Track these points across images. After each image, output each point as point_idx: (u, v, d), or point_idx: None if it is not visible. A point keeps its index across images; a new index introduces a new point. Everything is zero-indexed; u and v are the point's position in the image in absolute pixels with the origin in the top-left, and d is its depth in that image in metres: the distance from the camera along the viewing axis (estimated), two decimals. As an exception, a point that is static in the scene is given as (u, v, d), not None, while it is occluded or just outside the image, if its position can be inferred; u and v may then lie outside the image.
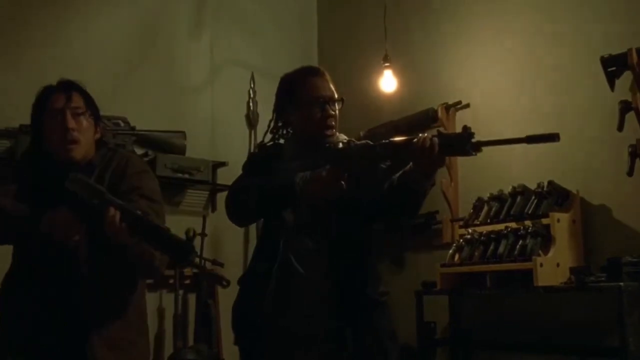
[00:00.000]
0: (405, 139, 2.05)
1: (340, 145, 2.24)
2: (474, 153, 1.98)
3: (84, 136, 2.15)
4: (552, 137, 1.94)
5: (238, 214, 2.25)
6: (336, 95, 2.26)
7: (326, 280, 2.10)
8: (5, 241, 2.12)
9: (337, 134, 2.30)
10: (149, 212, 2.06)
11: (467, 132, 1.98)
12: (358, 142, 2.32)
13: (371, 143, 2.29)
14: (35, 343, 2.01)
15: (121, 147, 3.76)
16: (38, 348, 2.01)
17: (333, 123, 2.24)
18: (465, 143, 1.98)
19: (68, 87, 2.19)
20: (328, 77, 2.29)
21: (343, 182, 2.01)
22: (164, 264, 2.14)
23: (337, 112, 2.26)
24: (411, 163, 2.06)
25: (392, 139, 2.10)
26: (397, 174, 2.12)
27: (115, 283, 2.09)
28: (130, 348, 2.09)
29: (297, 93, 2.25)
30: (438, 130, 2.09)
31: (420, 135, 2.02)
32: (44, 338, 2.00)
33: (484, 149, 2.03)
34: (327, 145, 2.18)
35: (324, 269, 2.11)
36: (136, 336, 2.14)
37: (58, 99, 2.16)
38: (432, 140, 1.98)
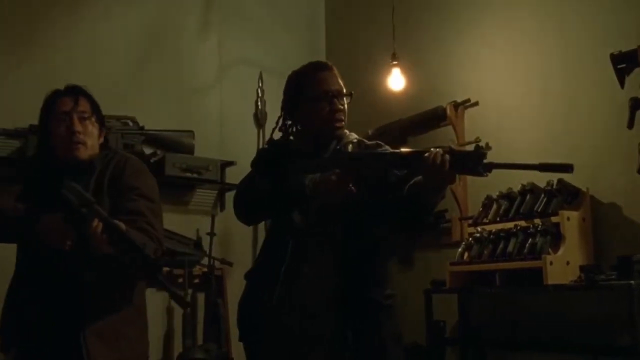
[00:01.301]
0: (416, 151, 2.04)
1: (351, 146, 2.23)
2: (485, 174, 1.97)
3: (89, 139, 2.22)
4: (566, 168, 1.93)
5: (246, 213, 2.26)
6: (345, 90, 2.25)
7: (332, 281, 2.09)
8: (3, 240, 2.18)
9: (348, 132, 2.29)
10: (146, 212, 2.14)
11: (479, 151, 1.97)
12: (369, 142, 2.32)
13: (382, 145, 2.28)
14: (33, 336, 2.07)
15: (129, 148, 3.81)
16: (35, 341, 2.06)
17: (342, 117, 2.23)
18: (477, 163, 1.97)
19: (75, 91, 2.26)
20: (336, 71, 2.27)
21: (352, 187, 2.01)
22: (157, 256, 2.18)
23: (345, 106, 2.24)
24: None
25: (403, 149, 2.10)
26: (408, 184, 2.11)
27: (111, 281, 2.13)
28: (124, 342, 2.12)
29: (306, 88, 2.23)
30: (450, 147, 2.07)
31: (432, 149, 2.00)
32: (41, 331, 2.05)
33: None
34: (338, 147, 2.16)
35: (330, 270, 2.10)
36: (131, 330, 2.17)
37: (65, 102, 2.22)
38: (443, 156, 1.97)
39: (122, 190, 2.19)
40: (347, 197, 2.02)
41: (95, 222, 1.91)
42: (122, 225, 1.97)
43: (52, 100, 2.24)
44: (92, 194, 2.13)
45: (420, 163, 1.98)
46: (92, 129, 2.24)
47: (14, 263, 2.25)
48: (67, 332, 2.01)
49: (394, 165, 2.08)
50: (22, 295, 2.14)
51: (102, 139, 2.30)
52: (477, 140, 3.91)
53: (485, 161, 1.95)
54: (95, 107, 2.28)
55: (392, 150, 2.09)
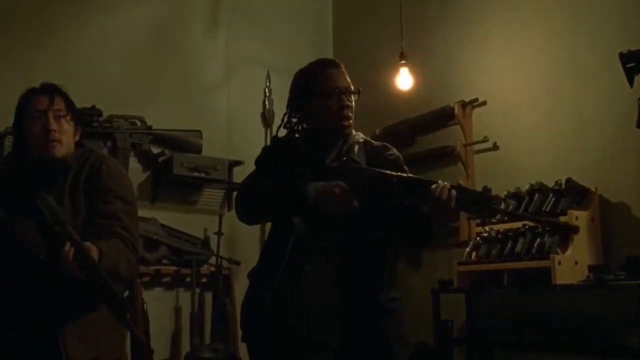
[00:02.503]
0: (423, 180, 2.03)
1: (357, 147, 2.22)
2: (489, 218, 1.98)
3: (65, 137, 2.23)
4: (572, 229, 1.93)
5: (246, 213, 2.24)
6: (352, 87, 2.24)
7: (334, 283, 2.08)
8: None
9: (355, 132, 2.28)
10: (122, 216, 2.16)
11: (487, 194, 1.97)
12: (376, 143, 2.30)
13: (390, 147, 2.27)
14: (11, 333, 2.07)
15: (137, 147, 3.81)
16: (14, 338, 2.07)
17: (350, 114, 2.20)
18: (484, 207, 1.97)
19: (51, 89, 2.27)
20: (344, 68, 2.26)
21: (355, 202, 2.00)
22: (132, 266, 2.18)
23: (353, 103, 2.23)
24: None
25: (410, 175, 2.07)
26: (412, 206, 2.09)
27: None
28: (103, 340, 2.12)
29: (313, 84, 2.22)
30: (459, 183, 2.07)
31: (440, 182, 1.99)
32: (20, 329, 2.06)
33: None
34: (345, 159, 2.12)
35: (332, 272, 2.09)
36: (110, 329, 2.15)
37: (41, 100, 2.23)
38: (450, 192, 1.96)
39: (98, 191, 2.20)
40: (350, 210, 2.01)
41: (67, 247, 1.90)
42: (94, 252, 1.95)
43: (27, 99, 2.25)
44: (68, 194, 2.15)
45: (427, 194, 1.97)
46: (68, 127, 2.25)
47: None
48: (45, 330, 2.01)
49: (399, 192, 2.03)
50: (1, 292, 2.13)
51: (77, 137, 2.31)
52: (485, 139, 3.91)
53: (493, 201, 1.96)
54: (70, 106, 2.28)
55: (399, 175, 2.05)
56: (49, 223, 1.93)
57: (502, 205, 3.56)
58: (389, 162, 2.23)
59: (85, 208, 2.17)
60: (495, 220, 3.56)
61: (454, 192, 1.96)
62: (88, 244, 1.97)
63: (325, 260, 2.10)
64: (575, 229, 1.90)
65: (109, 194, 2.20)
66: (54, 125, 2.20)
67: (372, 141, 2.32)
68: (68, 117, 2.25)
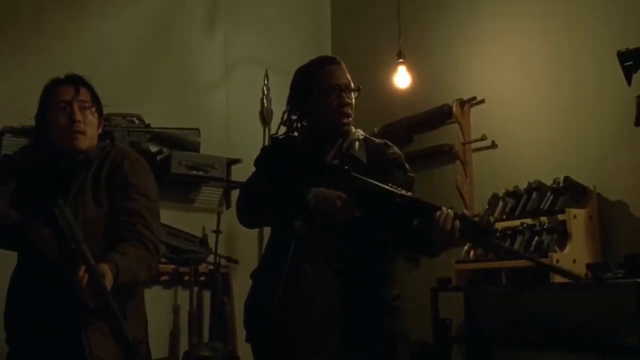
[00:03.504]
0: (426, 204, 2.00)
1: (357, 144, 2.21)
2: (493, 253, 1.99)
3: (89, 129, 2.19)
4: (575, 278, 1.94)
5: (247, 216, 2.25)
6: (352, 85, 2.23)
7: (334, 286, 2.08)
8: (2, 246, 2.16)
9: (354, 129, 2.27)
10: (144, 213, 2.12)
11: (490, 229, 1.98)
12: (377, 141, 2.29)
13: (390, 145, 2.26)
14: (35, 333, 2.06)
15: (135, 145, 3.81)
16: (37, 338, 2.06)
17: (349, 111, 2.20)
18: (487, 241, 1.99)
19: (76, 80, 2.23)
20: (344, 66, 2.26)
21: (356, 212, 2.00)
22: (152, 270, 2.16)
23: (353, 101, 2.22)
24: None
25: (414, 196, 2.02)
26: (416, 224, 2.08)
27: None
28: None
29: (314, 81, 2.21)
30: (463, 213, 2.05)
31: (444, 209, 1.97)
32: (43, 328, 2.04)
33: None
34: (347, 168, 2.08)
35: (332, 275, 2.09)
36: (132, 326, 2.12)
37: (66, 91, 2.19)
38: (454, 222, 1.94)
39: (120, 187, 2.16)
40: (351, 219, 2.01)
41: (82, 272, 1.86)
42: (109, 278, 1.90)
43: (52, 89, 2.21)
44: (90, 188, 2.13)
45: (430, 219, 1.96)
46: (92, 119, 2.21)
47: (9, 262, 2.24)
48: (68, 329, 2.01)
49: (401, 212, 2.00)
50: (23, 291, 2.13)
51: (100, 130, 2.27)
52: (483, 138, 3.91)
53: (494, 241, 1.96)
54: (95, 97, 2.24)
55: (403, 194, 2.00)
56: (65, 237, 1.91)
57: (501, 205, 3.58)
58: (389, 160, 2.23)
59: (107, 203, 2.14)
60: (493, 219, 3.57)
61: (457, 223, 1.94)
62: (103, 267, 1.91)
63: (325, 264, 2.10)
64: (578, 278, 1.90)
65: (131, 190, 2.16)
66: (79, 116, 2.16)
67: (373, 139, 2.31)
68: (93, 109, 2.22)
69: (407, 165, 2.26)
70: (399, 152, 2.29)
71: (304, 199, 2.02)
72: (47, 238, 1.97)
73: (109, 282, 1.89)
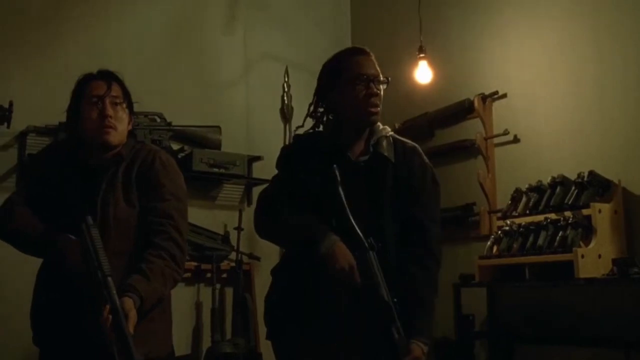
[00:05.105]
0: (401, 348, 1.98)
1: (385, 142, 2.17)
2: None
3: (120, 125, 2.20)
4: None
5: (264, 236, 2.25)
6: (381, 76, 2.20)
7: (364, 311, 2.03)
8: (28, 254, 2.19)
9: (382, 126, 2.24)
10: (175, 215, 2.13)
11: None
12: (408, 144, 2.24)
13: (419, 151, 2.23)
14: (62, 333, 2.07)
15: (157, 143, 3.82)
16: (64, 338, 2.07)
17: (377, 102, 2.16)
18: None
19: (109, 76, 2.25)
20: (373, 57, 2.22)
21: (359, 282, 1.99)
22: (177, 279, 2.16)
23: (381, 92, 2.18)
24: None
25: (403, 337, 1.99)
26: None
27: None
28: (152, 337, 2.10)
29: (342, 71, 2.17)
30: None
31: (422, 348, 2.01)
32: (70, 329, 2.05)
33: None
34: (371, 241, 2.00)
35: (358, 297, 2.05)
36: (158, 325, 2.15)
37: (99, 86, 2.20)
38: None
39: (151, 187, 2.16)
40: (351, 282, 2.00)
41: (106, 313, 1.86)
42: (132, 318, 1.89)
43: (85, 84, 2.22)
44: (120, 185, 2.14)
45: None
46: (123, 115, 2.22)
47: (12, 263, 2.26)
48: (95, 329, 2.02)
49: (389, 325, 1.97)
50: (49, 293, 2.14)
51: (130, 126, 2.29)
52: (506, 132, 3.88)
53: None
54: (126, 93, 2.26)
55: (397, 325, 1.96)
56: (92, 262, 1.93)
57: (524, 200, 3.55)
58: (413, 172, 2.18)
59: (138, 202, 2.16)
60: (516, 214, 3.55)
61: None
62: (127, 304, 1.90)
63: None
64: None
65: (163, 191, 2.17)
66: (110, 111, 2.17)
67: (404, 140, 2.26)
68: (124, 105, 2.23)
69: (434, 174, 2.23)
70: (426, 162, 2.24)
71: (316, 246, 2.00)
72: (73, 252, 1.99)
73: (132, 323, 1.89)
